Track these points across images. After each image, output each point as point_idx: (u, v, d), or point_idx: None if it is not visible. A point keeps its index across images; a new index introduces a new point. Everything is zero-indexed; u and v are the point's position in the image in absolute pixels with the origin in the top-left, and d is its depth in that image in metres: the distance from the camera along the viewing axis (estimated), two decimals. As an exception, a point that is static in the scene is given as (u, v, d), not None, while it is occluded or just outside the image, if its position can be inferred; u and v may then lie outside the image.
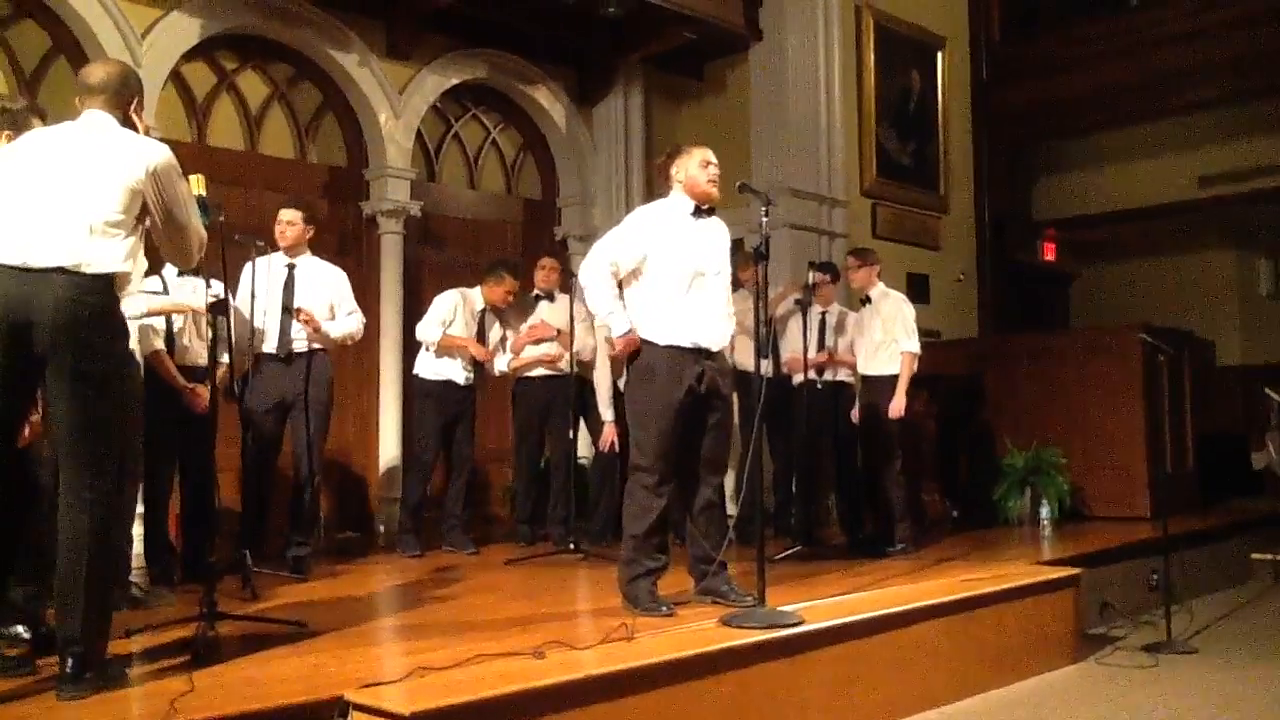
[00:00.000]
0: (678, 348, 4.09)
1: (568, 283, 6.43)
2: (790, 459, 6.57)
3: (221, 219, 3.79)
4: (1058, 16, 10.51)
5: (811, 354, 6.14)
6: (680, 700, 3.25)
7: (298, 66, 7.53)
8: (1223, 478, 8.76)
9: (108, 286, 2.96)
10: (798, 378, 6.34)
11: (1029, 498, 7.33)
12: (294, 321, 5.29)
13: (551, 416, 6.51)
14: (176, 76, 6.89)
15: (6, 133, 3.40)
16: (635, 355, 4.14)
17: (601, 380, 6.44)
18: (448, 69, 7.98)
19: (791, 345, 6.41)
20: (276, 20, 7.14)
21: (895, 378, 5.94)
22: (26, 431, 3.41)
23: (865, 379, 6.23)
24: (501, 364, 6.55)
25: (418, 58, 7.77)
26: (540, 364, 6.55)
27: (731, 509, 4.57)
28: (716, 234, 4.29)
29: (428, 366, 6.31)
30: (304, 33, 7.27)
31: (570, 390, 6.25)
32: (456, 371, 6.27)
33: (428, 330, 6.28)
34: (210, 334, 4.38)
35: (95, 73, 3.17)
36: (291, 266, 5.42)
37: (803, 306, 6.12)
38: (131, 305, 4.38)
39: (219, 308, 4.33)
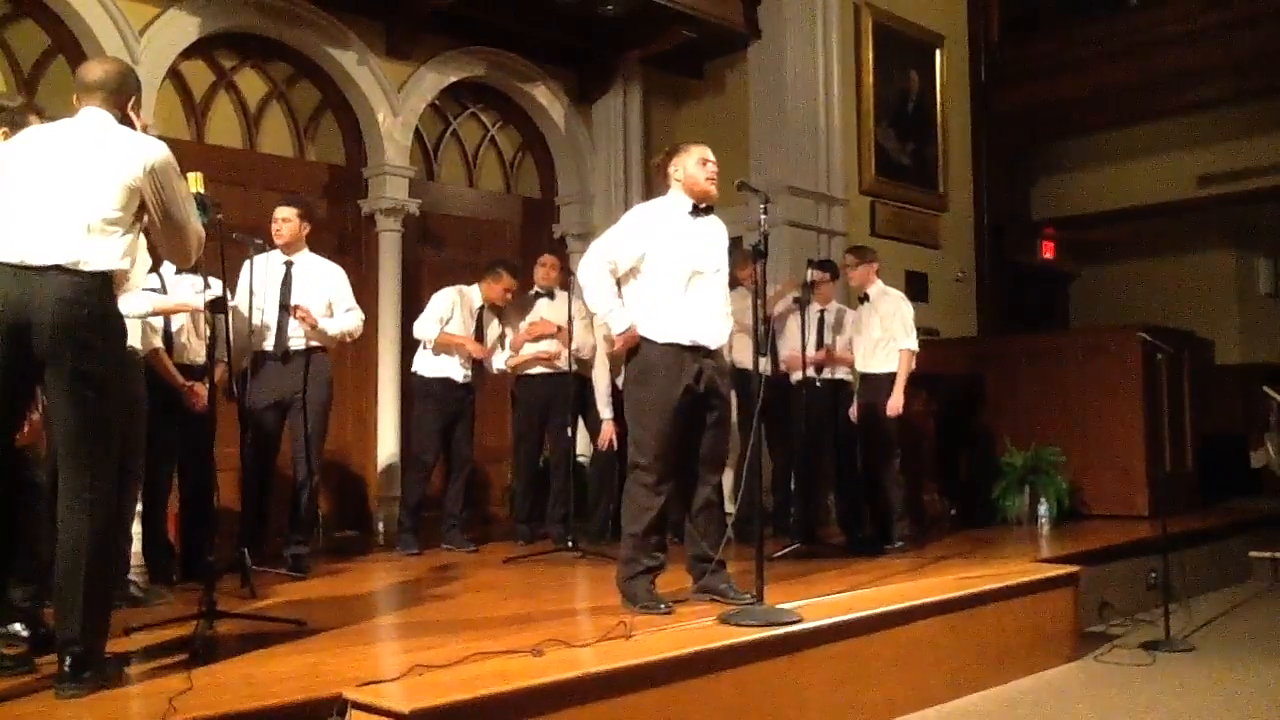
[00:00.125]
0: (676, 346, 4.09)
1: (567, 280, 6.43)
2: (789, 457, 6.57)
3: (220, 217, 3.79)
4: (1057, 17, 10.49)
5: (810, 352, 6.14)
6: (679, 698, 3.25)
7: (296, 65, 7.53)
8: (1222, 477, 8.76)
9: (106, 285, 2.96)
10: (796, 376, 6.34)
11: (1028, 497, 7.34)
12: (291, 319, 5.28)
13: (551, 415, 6.50)
14: (175, 74, 6.89)
15: (4, 130, 3.40)
16: (634, 352, 4.14)
17: (600, 378, 6.45)
18: (446, 67, 7.98)
19: (790, 343, 6.41)
20: (275, 19, 7.14)
21: (893, 376, 5.95)
22: (27, 430, 3.41)
23: (864, 377, 6.23)
24: (500, 362, 6.54)
25: (416, 56, 7.77)
26: (539, 362, 6.55)
27: (730, 507, 4.58)
28: (715, 232, 4.29)
29: (426, 364, 6.31)
30: (303, 31, 7.27)
31: (569, 389, 6.24)
32: (454, 369, 6.27)
33: (425, 328, 6.28)
34: (209, 333, 4.37)
35: (93, 70, 3.16)
36: (289, 264, 5.41)
37: (801, 305, 6.12)
38: (136, 304, 4.39)
39: (217, 306, 4.33)
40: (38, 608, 3.37)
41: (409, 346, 6.74)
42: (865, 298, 6.18)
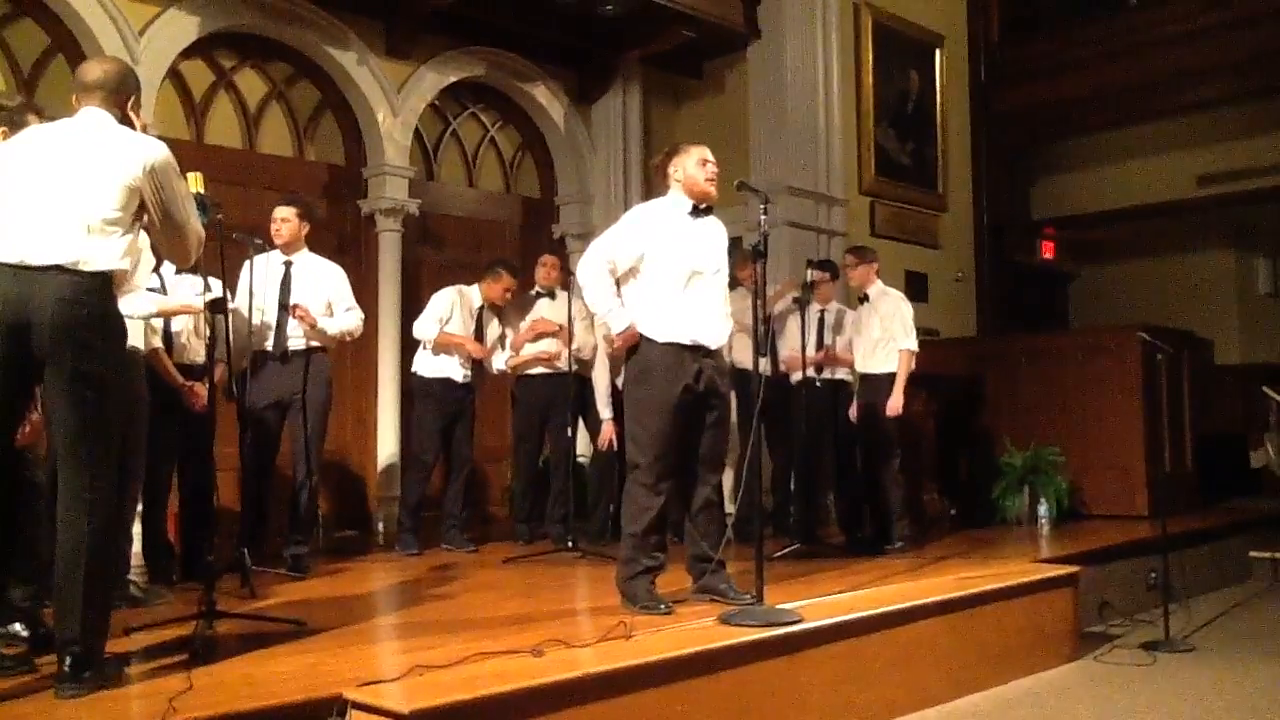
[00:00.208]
0: (676, 345, 4.09)
1: (568, 280, 6.42)
2: (789, 458, 6.57)
3: (220, 217, 3.79)
4: (1057, 17, 10.49)
5: (810, 352, 6.14)
6: (679, 698, 3.25)
7: (296, 65, 7.53)
8: (1221, 477, 8.76)
9: (106, 285, 2.96)
10: (796, 376, 6.33)
11: (1028, 497, 7.34)
12: (291, 319, 5.28)
13: (551, 415, 6.50)
14: (174, 74, 6.89)
15: (3, 130, 3.40)
16: (634, 351, 4.14)
17: (600, 378, 6.44)
18: (446, 67, 7.97)
19: (790, 343, 6.41)
20: (275, 18, 7.13)
21: (893, 376, 5.95)
22: (27, 429, 3.41)
23: (863, 377, 6.23)
24: (500, 362, 6.54)
25: (416, 56, 7.77)
26: (539, 362, 6.55)
27: (730, 507, 4.58)
28: (714, 233, 4.29)
29: (426, 364, 6.31)
30: (302, 31, 7.27)
31: (570, 389, 6.24)
32: (454, 369, 6.26)
33: (424, 328, 6.28)
34: (208, 333, 4.37)
35: (92, 70, 3.15)
36: (288, 264, 5.41)
37: (801, 305, 6.12)
38: (141, 304, 4.39)
39: (217, 307, 4.33)
40: (38, 608, 3.37)
41: (409, 347, 6.74)
42: (865, 298, 6.18)
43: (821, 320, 6.50)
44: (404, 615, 4.34)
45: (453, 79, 8.04)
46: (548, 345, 6.51)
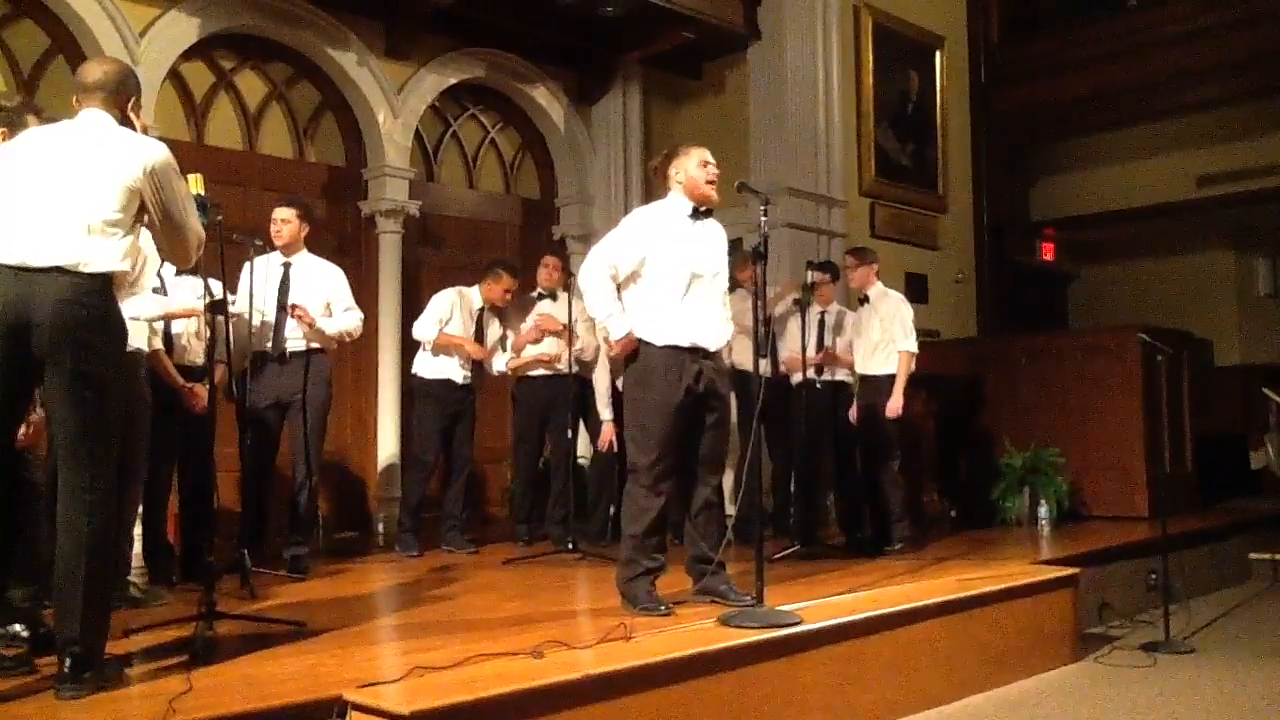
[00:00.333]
0: (675, 348, 4.09)
1: (569, 281, 6.42)
2: (789, 459, 6.57)
3: (220, 218, 3.80)
4: (1057, 17, 10.50)
5: (810, 354, 6.14)
6: (679, 700, 3.25)
7: (296, 66, 7.53)
8: (1221, 478, 8.75)
9: (106, 286, 2.96)
10: (796, 377, 6.33)
11: (1027, 497, 7.33)
12: (289, 319, 5.28)
13: (551, 417, 6.49)
14: (175, 75, 6.89)
15: (2, 130, 3.40)
16: (634, 355, 4.14)
17: (600, 379, 6.44)
18: (446, 68, 7.98)
19: (790, 345, 6.41)
20: (275, 20, 7.14)
21: (893, 377, 5.95)
22: (30, 430, 3.42)
23: (863, 378, 6.24)
24: (500, 364, 6.53)
25: (416, 57, 7.78)
26: (539, 364, 6.54)
27: (730, 509, 4.57)
28: (714, 236, 4.28)
29: (426, 365, 6.31)
30: (303, 32, 7.27)
31: (570, 390, 6.24)
32: (454, 370, 6.26)
33: (424, 328, 6.28)
34: (208, 334, 4.37)
35: (93, 71, 3.15)
36: (287, 265, 5.41)
37: (801, 306, 6.11)
38: (147, 307, 4.39)
39: (217, 307, 4.33)
40: (38, 608, 3.37)
41: (409, 348, 6.74)
42: (865, 299, 6.18)
43: (822, 321, 6.50)
44: (404, 616, 4.34)
45: (453, 80, 8.05)
46: (548, 347, 6.51)
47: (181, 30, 6.70)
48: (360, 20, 7.47)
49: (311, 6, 7.20)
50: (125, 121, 3.14)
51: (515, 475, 6.98)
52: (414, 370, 6.39)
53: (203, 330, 4.86)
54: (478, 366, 6.40)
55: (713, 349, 4.19)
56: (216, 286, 4.28)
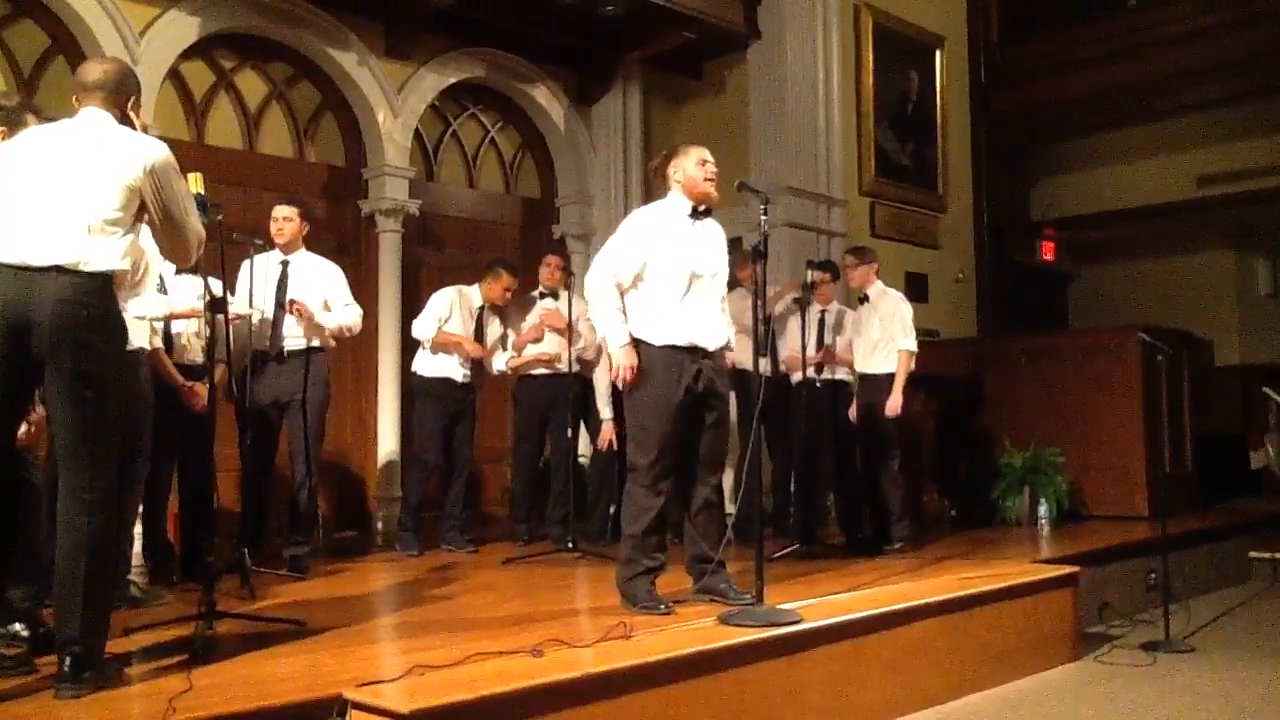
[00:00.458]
0: (674, 347, 4.09)
1: (570, 281, 6.41)
2: (789, 458, 6.57)
3: (220, 218, 3.79)
4: (1057, 17, 10.50)
5: (810, 353, 6.14)
6: (679, 698, 3.25)
7: (296, 66, 7.53)
8: (1221, 477, 8.75)
9: (106, 285, 2.96)
10: (796, 376, 6.33)
11: (1027, 497, 7.33)
12: (287, 317, 5.28)
13: (552, 416, 6.48)
14: (175, 75, 6.89)
15: (2, 130, 3.40)
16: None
17: (601, 378, 6.44)
18: (446, 68, 7.98)
19: (790, 344, 6.41)
20: (275, 19, 7.14)
21: (893, 376, 5.95)
22: (30, 430, 3.41)
23: (863, 377, 6.24)
24: (500, 363, 6.53)
25: (416, 57, 7.78)
26: (540, 363, 6.54)
27: (730, 508, 4.57)
28: (713, 236, 4.29)
29: (425, 364, 6.31)
30: (303, 32, 7.27)
31: (570, 390, 6.24)
32: (454, 369, 6.26)
33: (423, 327, 6.28)
34: (208, 333, 4.37)
35: (93, 70, 3.16)
36: (285, 263, 5.41)
37: (801, 305, 6.12)
38: (151, 306, 4.39)
39: (217, 306, 4.33)
40: (37, 608, 3.37)
41: (409, 347, 6.74)
42: (865, 298, 6.18)
43: (821, 321, 6.50)
44: (404, 615, 4.34)
45: (453, 80, 8.05)
46: (548, 346, 6.51)
47: (181, 30, 6.70)
48: (360, 20, 7.47)
49: (311, 6, 7.20)
50: (125, 120, 3.15)
51: (515, 475, 6.98)
52: (414, 369, 6.39)
53: (203, 329, 4.86)
54: (477, 365, 6.40)
55: (711, 348, 4.20)
56: (216, 286, 4.28)
